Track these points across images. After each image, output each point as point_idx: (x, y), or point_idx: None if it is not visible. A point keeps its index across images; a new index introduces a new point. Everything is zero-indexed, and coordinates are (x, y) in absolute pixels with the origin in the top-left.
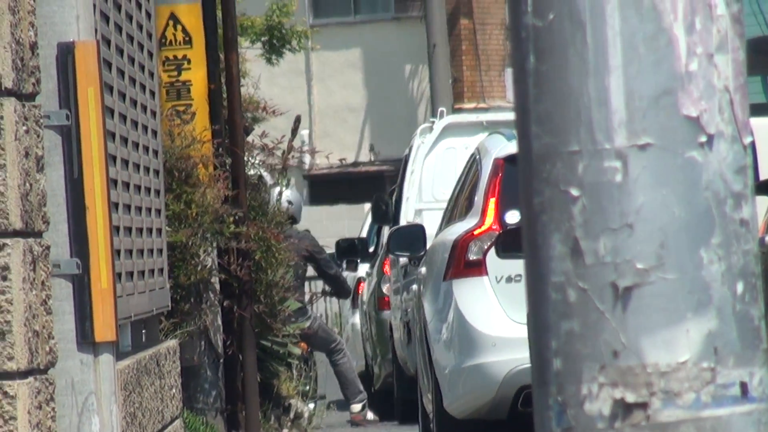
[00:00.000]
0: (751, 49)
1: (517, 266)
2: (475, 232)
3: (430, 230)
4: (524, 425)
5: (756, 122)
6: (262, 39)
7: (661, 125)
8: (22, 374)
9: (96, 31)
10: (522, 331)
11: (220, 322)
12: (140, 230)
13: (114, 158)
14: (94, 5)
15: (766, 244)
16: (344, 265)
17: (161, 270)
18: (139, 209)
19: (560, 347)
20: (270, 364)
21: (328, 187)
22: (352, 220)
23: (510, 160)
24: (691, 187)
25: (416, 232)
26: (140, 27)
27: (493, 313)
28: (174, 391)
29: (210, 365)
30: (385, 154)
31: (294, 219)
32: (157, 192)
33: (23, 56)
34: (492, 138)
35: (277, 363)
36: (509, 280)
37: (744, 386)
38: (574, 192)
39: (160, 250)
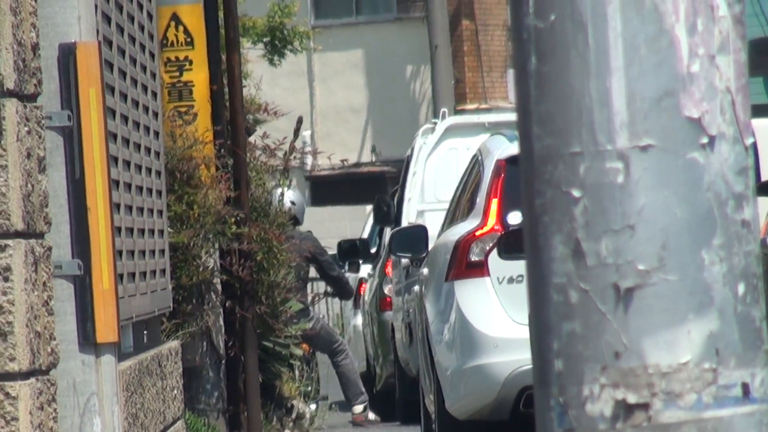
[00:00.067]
0: (753, 50)
1: (519, 267)
2: (477, 233)
3: (432, 231)
4: (526, 426)
5: (757, 123)
6: (264, 40)
7: (662, 126)
8: (24, 375)
9: (97, 32)
10: (524, 332)
11: (221, 323)
12: (142, 231)
13: (116, 159)
14: (96, 6)
15: (767, 245)
16: (346, 267)
17: (163, 271)
18: (140, 210)
19: (562, 348)
20: (272, 364)
21: (329, 188)
22: (354, 221)
23: (512, 161)
24: (693, 188)
25: (418, 233)
26: (142, 28)
27: (495, 314)
28: (176, 392)
29: (212, 366)
30: (387, 155)
31: (296, 220)
32: (159, 193)
33: (25, 57)
34: (494, 139)
35: (279, 364)
36: (511, 281)
37: (745, 387)
38: (576, 193)
39: (162, 251)
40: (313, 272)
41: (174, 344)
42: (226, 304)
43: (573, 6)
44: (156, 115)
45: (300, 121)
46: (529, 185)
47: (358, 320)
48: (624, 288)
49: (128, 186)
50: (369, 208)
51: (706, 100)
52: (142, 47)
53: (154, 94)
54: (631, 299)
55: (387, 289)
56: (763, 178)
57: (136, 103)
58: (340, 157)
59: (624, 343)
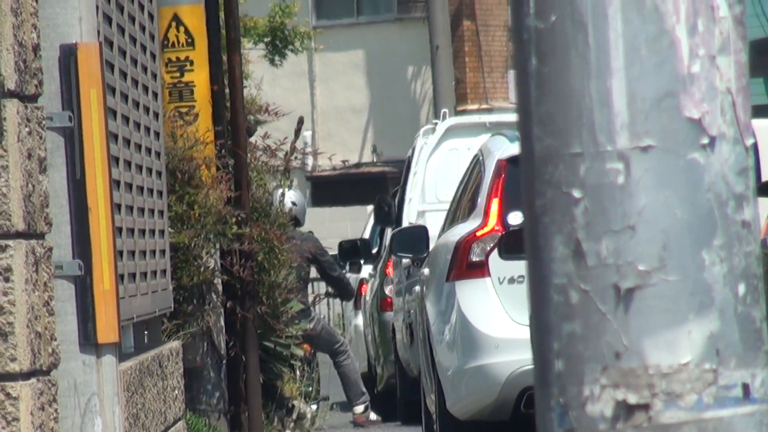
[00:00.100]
0: (754, 51)
1: (519, 267)
2: (478, 234)
3: (433, 231)
4: (527, 426)
5: (758, 124)
6: (265, 40)
7: (663, 127)
8: (25, 375)
9: (98, 32)
10: (525, 333)
11: (222, 323)
12: (143, 231)
13: (116, 159)
14: (97, 7)
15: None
16: (347, 267)
17: (164, 271)
18: (141, 210)
19: (562, 349)
20: (273, 365)
21: (330, 189)
22: (355, 221)
23: (513, 161)
24: (693, 188)
25: (419, 233)
26: (143, 28)
27: (496, 315)
28: (177, 392)
29: (213, 366)
30: (388, 156)
31: (297, 221)
32: (160, 193)
33: (26, 58)
34: (495, 139)
35: (280, 364)
36: (512, 281)
37: (746, 387)
38: (576, 194)
39: (163, 252)
40: (314, 273)
41: (175, 344)
42: (227, 305)
43: (573, 6)
44: (157, 115)
45: (301, 121)
46: (530, 186)
47: (359, 321)
48: (624, 288)
49: (129, 186)
50: (370, 208)
51: (706, 100)
52: (143, 48)
53: (155, 95)
54: (631, 300)
55: (388, 290)
56: (764, 179)
57: (136, 104)
58: (341, 157)
59: (624, 344)
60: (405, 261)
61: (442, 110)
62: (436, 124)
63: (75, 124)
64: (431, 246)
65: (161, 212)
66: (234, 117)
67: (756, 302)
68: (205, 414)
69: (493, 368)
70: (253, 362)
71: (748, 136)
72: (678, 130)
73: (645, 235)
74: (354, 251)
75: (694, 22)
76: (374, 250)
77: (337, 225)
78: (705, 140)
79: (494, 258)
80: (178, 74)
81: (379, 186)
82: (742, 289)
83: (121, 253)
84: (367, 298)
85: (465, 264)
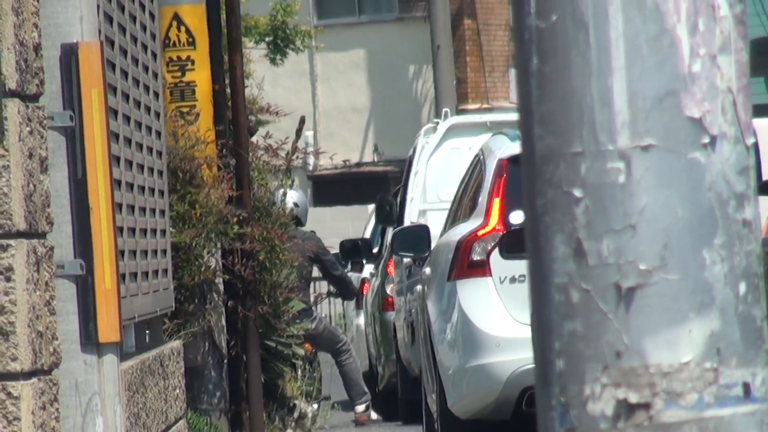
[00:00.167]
0: (754, 50)
1: (520, 267)
2: (479, 233)
3: (435, 231)
4: (528, 425)
5: (759, 123)
6: (266, 39)
7: (664, 126)
8: (26, 375)
9: (99, 32)
10: (526, 332)
11: (224, 322)
12: (144, 231)
13: (118, 159)
14: (98, 6)
15: None
16: (349, 266)
17: (165, 271)
18: (143, 210)
19: (563, 348)
20: (274, 364)
21: (332, 188)
22: (356, 220)
23: (514, 160)
24: (694, 188)
25: (420, 232)
26: (144, 28)
27: (497, 314)
28: (178, 391)
29: (214, 366)
30: (389, 155)
31: (299, 221)
32: (161, 193)
33: (27, 57)
34: (496, 138)
35: (282, 363)
36: (513, 280)
37: (747, 387)
38: (577, 193)
39: (164, 251)
40: (316, 272)
41: (176, 344)
42: (228, 304)
43: (574, 6)
44: (158, 115)
45: (302, 121)
46: (531, 185)
47: (361, 320)
48: (625, 287)
49: (130, 186)
50: (371, 207)
51: (707, 99)
52: (144, 47)
53: (156, 94)
54: (632, 299)
55: (389, 289)
56: (764, 178)
57: (138, 103)
58: (343, 156)
59: (625, 343)
60: (406, 260)
61: (444, 110)
62: (437, 123)
63: (76, 124)
64: (432, 245)
65: (162, 212)
66: (235, 116)
67: (757, 301)
68: (207, 413)
69: (495, 367)
70: (255, 361)
71: (749, 136)
72: (679, 129)
73: (646, 235)
74: (355, 251)
75: (694, 21)
76: (375, 250)
77: (338, 224)
78: (706, 139)
79: (495, 257)
80: (179, 74)
81: (380, 185)
82: (742, 288)
83: (122, 252)
84: (369, 297)
85: (466, 263)
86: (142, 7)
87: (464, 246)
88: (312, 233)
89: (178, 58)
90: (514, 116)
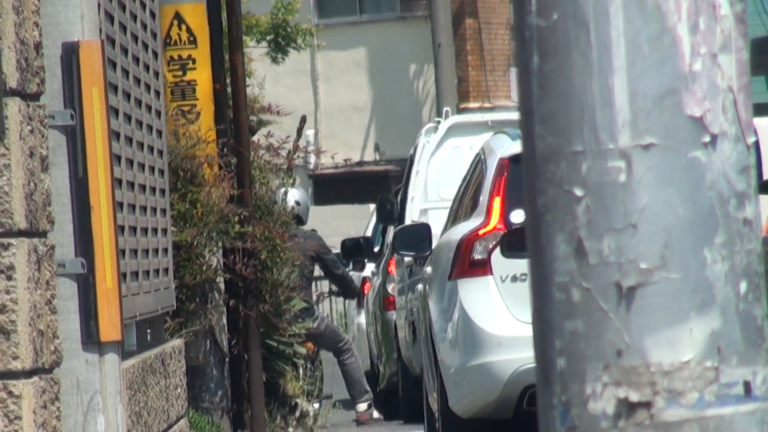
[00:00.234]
0: (755, 49)
1: (522, 266)
2: (480, 232)
3: (436, 230)
4: (529, 424)
5: (759, 122)
6: (268, 38)
7: (664, 125)
8: (27, 374)
9: (100, 30)
10: (527, 331)
11: (225, 321)
12: (145, 230)
13: (119, 158)
14: (99, 5)
15: None
16: (351, 265)
17: (166, 270)
18: (144, 209)
19: (564, 347)
20: (276, 363)
21: (333, 187)
22: (357, 219)
23: (515, 159)
24: (695, 186)
25: (422, 231)
26: (145, 27)
27: (498, 313)
28: (179, 390)
29: (215, 365)
30: (391, 154)
31: (300, 219)
32: (162, 191)
33: (27, 56)
34: (497, 138)
35: (283, 362)
36: (514, 279)
37: (747, 385)
38: (578, 192)
39: (166, 250)
40: (318, 271)
41: (177, 343)
42: (230, 303)
43: (575, 5)
44: (159, 113)
45: (303, 120)
46: (532, 184)
47: (362, 319)
48: (626, 286)
49: (131, 185)
50: (372, 206)
51: (708, 98)
52: (145, 46)
53: (157, 93)
54: (633, 298)
55: (390, 288)
56: (765, 177)
57: (139, 102)
58: (344, 155)
59: (626, 342)
60: (407, 259)
61: (445, 109)
62: (438, 122)
63: (77, 123)
64: (433, 244)
65: (164, 210)
66: (237, 115)
67: (757, 300)
68: (208, 412)
69: (496, 366)
70: (256, 360)
71: (749, 134)
72: (679, 128)
73: (646, 233)
74: (357, 249)
75: (695, 20)
76: (377, 249)
77: (339, 223)
78: (706, 138)
79: (496, 256)
80: (180, 72)
81: (381, 184)
82: (743, 287)
83: (123, 251)
84: (370, 296)
85: (467, 262)
86: (143, 5)
87: (465, 245)
88: (313, 232)
89: (179, 56)
90: (515, 115)
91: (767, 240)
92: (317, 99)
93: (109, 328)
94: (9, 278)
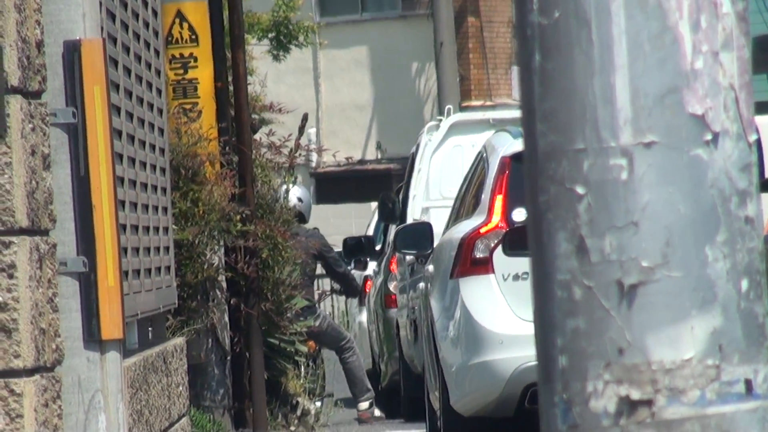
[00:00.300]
0: (757, 47)
1: (523, 264)
2: (482, 230)
3: (437, 228)
4: (530, 423)
5: (761, 120)
6: (269, 36)
7: (666, 123)
8: (29, 372)
9: (102, 29)
10: (529, 329)
11: (227, 319)
12: (147, 228)
13: (120, 156)
14: (100, 3)
15: None
16: (353, 264)
17: (168, 268)
18: (145, 207)
19: (566, 345)
20: (277, 361)
21: (334, 185)
22: (359, 218)
23: (517, 158)
24: (697, 184)
25: (423, 230)
26: (146, 25)
27: (500, 311)
28: (181, 388)
29: (217, 363)
30: (392, 152)
31: (303, 217)
32: (164, 190)
33: (29, 54)
34: (498, 136)
35: (285, 360)
36: (516, 277)
37: (749, 383)
38: (580, 190)
39: (167, 248)
40: (319, 269)
41: (179, 341)
42: (231, 301)
43: (577, 3)
44: (161, 112)
45: (305, 118)
46: (533, 182)
47: (363, 317)
48: (628, 284)
49: (133, 183)
50: (374, 205)
51: (709, 96)
52: (147, 44)
53: (159, 91)
54: (634, 296)
55: (392, 287)
56: (767, 175)
57: (140, 100)
58: (345, 154)
59: (628, 340)
60: (409, 258)
61: (446, 107)
62: (440, 120)
63: (79, 121)
64: (435, 243)
65: (165, 209)
66: (238, 114)
67: (759, 298)
68: (210, 410)
69: (497, 364)
70: (258, 359)
71: (751, 132)
72: (681, 126)
73: (648, 232)
74: (358, 248)
75: (697, 18)
76: (378, 247)
77: (341, 222)
78: (708, 136)
79: (498, 254)
80: (181, 71)
81: (383, 183)
82: (745, 285)
83: (125, 249)
84: (372, 294)
85: (469, 261)
86: (145, 4)
87: (467, 243)
88: (315, 230)
89: (181, 55)
90: (516, 113)
91: None
92: (319, 97)
93: (111, 326)
94: (10, 276)
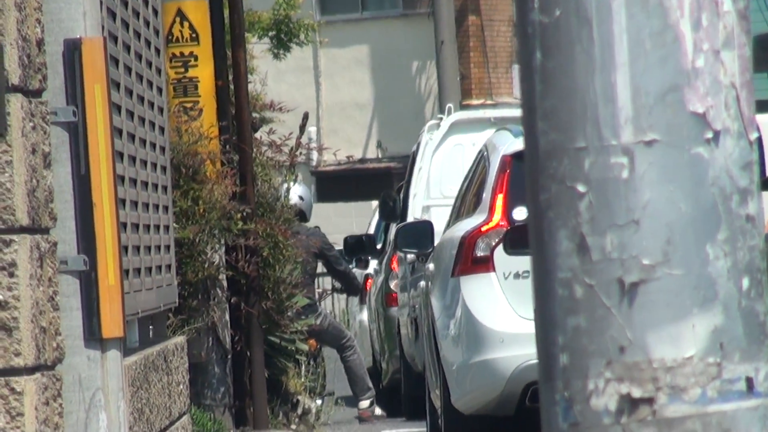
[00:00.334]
0: (758, 46)
1: (524, 262)
2: (483, 229)
3: (438, 227)
4: (531, 421)
5: (762, 118)
6: (270, 34)
7: (667, 121)
8: (30, 370)
9: (103, 27)
10: (529, 327)
11: (227, 318)
12: (147, 227)
13: (121, 155)
14: (101, 2)
15: None
16: (354, 263)
17: (169, 266)
18: (146, 206)
19: (567, 343)
20: (278, 360)
21: (335, 184)
22: (360, 217)
23: (517, 156)
24: (698, 183)
25: (424, 228)
26: (147, 23)
27: (501, 309)
28: (181, 387)
29: (218, 361)
30: (393, 151)
31: (304, 215)
32: (165, 188)
33: (30, 53)
34: (499, 134)
35: (285, 359)
36: (517, 276)
37: (750, 381)
38: (581, 188)
39: (168, 247)
40: (320, 268)
41: (180, 339)
42: (232, 300)
43: (578, 1)
44: (161, 110)
45: (305, 117)
46: (534, 180)
47: (364, 316)
48: (629, 283)
49: (134, 181)
50: (375, 203)
51: (710, 95)
52: (148, 43)
53: (160, 90)
54: (635, 294)
55: (393, 285)
56: None
57: (141, 99)
58: (346, 153)
59: (629, 338)
60: (410, 256)
61: (447, 105)
62: (440, 119)
63: (79, 119)
64: (436, 241)
65: (166, 207)
66: (239, 112)
67: (760, 296)
68: (210, 409)
69: (498, 363)
70: (258, 357)
71: (752, 131)
72: (682, 124)
73: (649, 230)
74: (359, 247)
75: (698, 16)
76: (379, 246)
77: (342, 220)
78: (709, 134)
79: (499, 253)
80: (182, 69)
81: (383, 181)
82: (746, 283)
83: (125, 248)
84: (372, 293)
85: (470, 259)
86: (146, 2)
87: (468, 242)
88: (316, 229)
89: (181, 53)
90: (517, 112)
91: None
92: (319, 96)
93: (111, 324)
94: (11, 275)
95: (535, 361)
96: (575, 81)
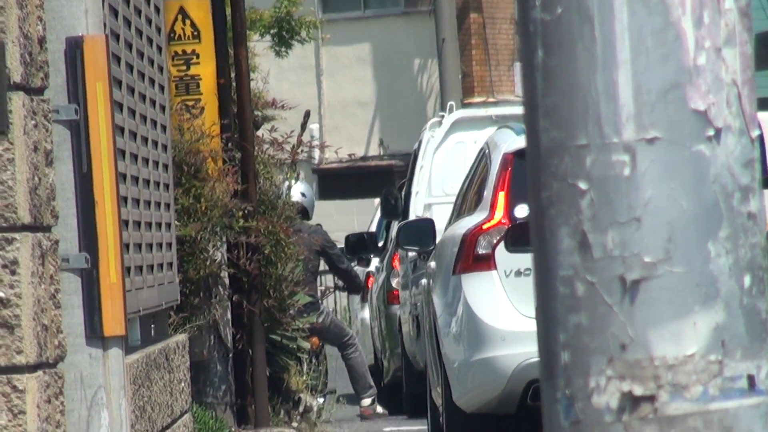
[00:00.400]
0: (759, 43)
1: (526, 260)
2: (484, 227)
3: (440, 224)
4: (533, 419)
5: (764, 116)
6: (271, 32)
7: (669, 119)
8: (31, 368)
9: (105, 25)
10: (531, 325)
11: (229, 316)
12: (149, 224)
13: (123, 153)
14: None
15: None
16: (355, 261)
17: (170, 264)
18: (148, 203)
19: (568, 341)
20: (279, 358)
21: (337, 182)
22: (362, 214)
23: (519, 154)
24: (699, 180)
25: (425, 226)
26: (149, 21)
27: (502, 307)
28: (183, 385)
29: (219, 359)
30: (395, 149)
31: (306, 213)
32: (166, 186)
33: (32, 51)
34: (501, 132)
35: (287, 357)
36: (518, 274)
37: (751, 379)
38: (582, 186)
39: (170, 245)
40: (322, 266)
41: (181, 337)
42: (234, 298)
43: None
44: (163, 108)
45: (307, 115)
46: (536, 178)
47: (366, 313)
48: (630, 280)
49: (135, 179)
50: (376, 201)
51: (712, 92)
52: (150, 41)
53: (162, 88)
54: (637, 291)
55: (394, 283)
56: None
57: (143, 97)
58: (348, 150)
59: (630, 336)
60: (411, 254)
61: (449, 103)
62: (442, 117)
63: (81, 117)
64: (437, 239)
65: (168, 205)
66: (241, 110)
67: (761, 294)
68: (212, 407)
69: (500, 361)
70: (260, 355)
71: (753, 128)
72: (684, 122)
73: (651, 227)
74: (361, 244)
75: (699, 14)
76: (381, 243)
77: (343, 218)
78: (711, 132)
79: (501, 251)
80: (184, 67)
81: (385, 179)
82: (747, 280)
83: (127, 246)
84: (374, 291)
85: (471, 257)
86: (147, 0)
87: (469, 240)
88: (318, 226)
89: (183, 51)
90: (519, 110)
91: None
92: (321, 94)
93: (113, 322)
94: (13, 273)
95: (537, 358)
96: (577, 79)
